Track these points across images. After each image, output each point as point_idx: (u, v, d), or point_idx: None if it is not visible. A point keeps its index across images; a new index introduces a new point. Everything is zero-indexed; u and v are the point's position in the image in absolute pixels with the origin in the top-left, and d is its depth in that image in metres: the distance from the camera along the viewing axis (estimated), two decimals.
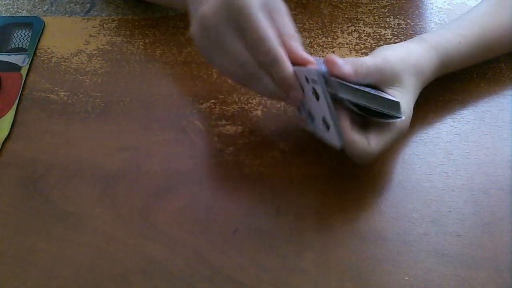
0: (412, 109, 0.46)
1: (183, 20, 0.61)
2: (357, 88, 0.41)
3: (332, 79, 0.40)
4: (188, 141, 0.51)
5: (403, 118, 0.43)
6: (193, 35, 0.44)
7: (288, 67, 0.42)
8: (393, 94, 0.44)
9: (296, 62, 0.42)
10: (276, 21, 0.42)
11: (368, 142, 0.42)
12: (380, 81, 0.44)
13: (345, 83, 0.40)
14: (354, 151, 0.42)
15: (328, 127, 0.43)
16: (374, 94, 0.41)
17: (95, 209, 0.47)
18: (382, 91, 0.44)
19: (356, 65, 0.42)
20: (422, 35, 0.51)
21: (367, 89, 0.41)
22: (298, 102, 0.44)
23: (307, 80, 0.42)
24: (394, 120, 0.43)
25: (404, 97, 0.44)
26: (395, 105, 0.42)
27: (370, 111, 0.42)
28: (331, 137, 0.43)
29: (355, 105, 0.41)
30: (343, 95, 0.40)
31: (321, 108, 0.42)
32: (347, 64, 0.41)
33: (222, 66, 0.45)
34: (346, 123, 0.42)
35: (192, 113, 0.53)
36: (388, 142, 0.43)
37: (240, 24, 0.41)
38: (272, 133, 0.51)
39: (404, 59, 0.46)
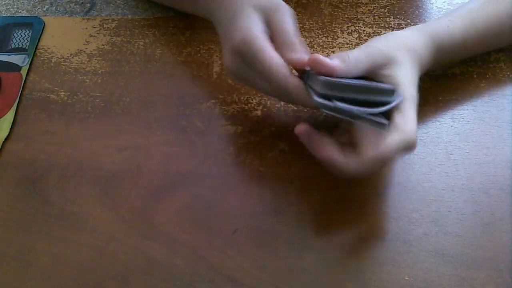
0: (414, 82, 0.45)
1: (183, 20, 0.60)
2: (342, 82, 0.40)
3: (317, 78, 0.40)
4: (188, 141, 0.51)
5: (401, 99, 0.42)
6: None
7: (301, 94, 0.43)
8: (391, 73, 0.43)
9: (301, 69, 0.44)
10: (277, 30, 0.45)
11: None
12: (373, 66, 0.43)
13: (330, 79, 0.40)
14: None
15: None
16: (361, 84, 0.40)
17: (95, 209, 0.47)
18: (379, 81, 0.43)
19: (341, 56, 0.42)
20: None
21: (354, 82, 0.40)
22: None
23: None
24: (384, 124, 0.41)
25: (402, 71, 0.44)
26: (387, 91, 0.41)
27: (359, 117, 0.40)
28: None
29: (343, 99, 0.40)
30: (328, 91, 0.40)
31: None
32: (333, 58, 0.42)
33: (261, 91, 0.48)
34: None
35: (192, 113, 0.53)
36: (413, 116, 0.42)
37: (251, 65, 0.44)
38: (272, 133, 0.51)
39: (391, 40, 0.46)
